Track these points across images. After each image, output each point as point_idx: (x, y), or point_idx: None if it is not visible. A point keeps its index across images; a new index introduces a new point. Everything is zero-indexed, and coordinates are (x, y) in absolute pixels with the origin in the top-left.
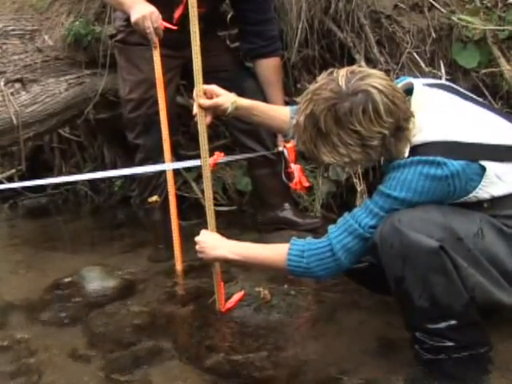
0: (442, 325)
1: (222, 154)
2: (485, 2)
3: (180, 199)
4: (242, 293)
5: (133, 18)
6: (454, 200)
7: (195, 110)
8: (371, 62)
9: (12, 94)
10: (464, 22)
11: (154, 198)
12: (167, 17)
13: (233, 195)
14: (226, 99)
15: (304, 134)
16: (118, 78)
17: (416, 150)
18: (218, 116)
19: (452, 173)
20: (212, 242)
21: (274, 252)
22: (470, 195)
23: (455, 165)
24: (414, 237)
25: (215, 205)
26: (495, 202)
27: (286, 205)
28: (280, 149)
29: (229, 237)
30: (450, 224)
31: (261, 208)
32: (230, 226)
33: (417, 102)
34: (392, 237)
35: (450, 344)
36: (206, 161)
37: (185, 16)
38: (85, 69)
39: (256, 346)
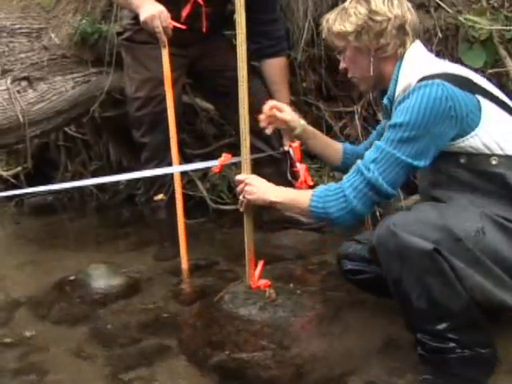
0: (442, 326)
1: (230, 156)
2: (491, 2)
3: (185, 198)
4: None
5: (142, 18)
6: (458, 134)
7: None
8: None
9: (19, 92)
10: (470, 22)
11: (160, 196)
12: (175, 16)
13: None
14: (293, 117)
15: (330, 19)
16: (124, 76)
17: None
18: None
19: (451, 94)
20: (263, 187)
21: (304, 195)
22: (473, 133)
23: (454, 89)
24: (407, 239)
25: (220, 203)
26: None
27: None
28: (286, 148)
29: (234, 235)
30: (448, 224)
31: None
32: (235, 225)
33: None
34: (387, 240)
35: (452, 345)
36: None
37: (192, 15)
38: (91, 67)
39: (261, 344)
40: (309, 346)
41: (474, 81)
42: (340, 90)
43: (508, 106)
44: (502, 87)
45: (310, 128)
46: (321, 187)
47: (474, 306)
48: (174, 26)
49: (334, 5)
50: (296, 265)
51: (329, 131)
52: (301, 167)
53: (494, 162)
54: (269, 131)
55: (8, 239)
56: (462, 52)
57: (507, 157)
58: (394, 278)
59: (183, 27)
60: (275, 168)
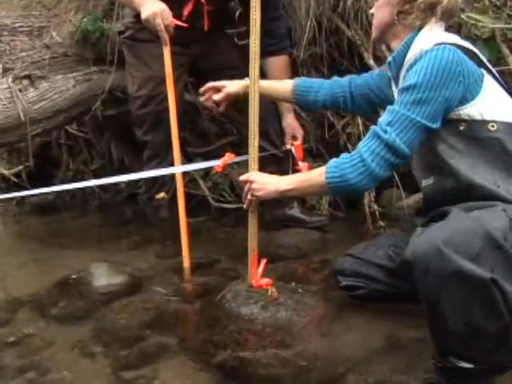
0: (476, 348)
1: (233, 156)
2: (494, 0)
3: (187, 196)
4: (265, 261)
5: (143, 16)
6: (460, 102)
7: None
8: (379, 60)
9: (20, 90)
10: (473, 21)
11: (162, 194)
12: (177, 14)
13: (240, 193)
14: (233, 85)
15: None
16: (125, 74)
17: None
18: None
19: (461, 60)
20: (270, 180)
21: (316, 172)
22: (472, 103)
23: (464, 57)
24: (460, 265)
25: (222, 202)
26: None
27: (294, 203)
28: (288, 147)
29: (236, 234)
30: (486, 227)
31: (268, 206)
32: (237, 224)
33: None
34: (430, 259)
35: (482, 367)
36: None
37: (194, 13)
38: (92, 65)
39: (263, 343)
40: (310, 344)
41: (481, 58)
42: None
43: (505, 86)
44: None
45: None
46: (332, 160)
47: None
48: (176, 25)
49: (336, 4)
50: (298, 264)
51: (331, 129)
52: (303, 166)
53: (492, 128)
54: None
55: (10, 238)
56: None
57: (504, 123)
58: (431, 298)
59: (185, 25)
60: (277, 167)
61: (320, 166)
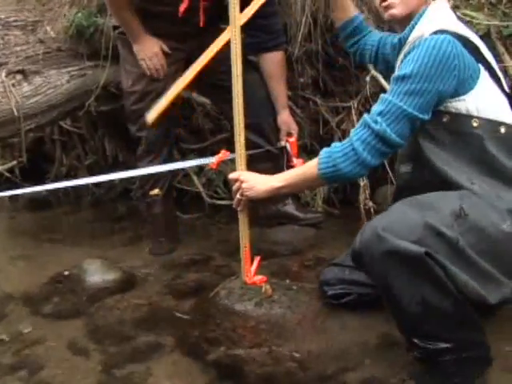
0: (435, 327)
1: (228, 153)
2: None
3: (181, 193)
4: (258, 258)
5: (137, 55)
6: (457, 91)
7: None
8: None
9: (13, 85)
10: (468, 18)
11: (156, 191)
12: (173, 10)
13: None
14: None
15: None
16: (120, 70)
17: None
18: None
19: (459, 54)
20: (261, 179)
21: (308, 165)
22: (462, 98)
23: (463, 50)
24: (396, 244)
25: (216, 198)
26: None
27: (288, 199)
28: (282, 143)
29: (230, 231)
30: (427, 219)
31: (262, 202)
32: (231, 220)
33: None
34: (374, 244)
35: (446, 346)
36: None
37: (190, 9)
38: (87, 61)
39: (257, 340)
40: (305, 342)
41: (482, 50)
42: (337, 85)
43: (501, 82)
44: None
45: None
46: (323, 151)
47: (467, 304)
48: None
49: None
50: (292, 260)
51: (325, 126)
52: (298, 162)
53: (474, 124)
54: None
55: (2, 233)
56: None
57: (488, 120)
58: (383, 283)
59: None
60: (272, 163)
61: None
